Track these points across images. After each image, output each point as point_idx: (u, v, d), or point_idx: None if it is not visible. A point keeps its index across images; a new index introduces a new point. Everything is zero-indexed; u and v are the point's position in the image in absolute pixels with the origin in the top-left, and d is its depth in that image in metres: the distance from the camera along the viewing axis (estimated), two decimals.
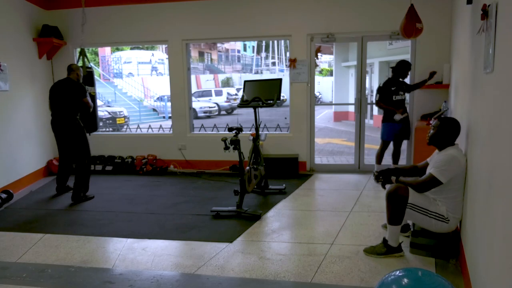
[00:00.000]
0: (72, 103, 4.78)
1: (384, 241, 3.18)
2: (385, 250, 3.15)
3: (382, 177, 3.27)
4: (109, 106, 15.15)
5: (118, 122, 13.83)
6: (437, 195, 3.07)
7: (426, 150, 4.85)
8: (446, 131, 3.07)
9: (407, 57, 5.87)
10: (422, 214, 3.05)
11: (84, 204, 4.82)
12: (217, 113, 17.47)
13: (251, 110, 4.95)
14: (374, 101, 5.48)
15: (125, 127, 13.12)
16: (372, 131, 10.22)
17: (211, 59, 29.56)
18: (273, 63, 28.37)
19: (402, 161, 5.77)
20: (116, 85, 17.46)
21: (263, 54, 28.85)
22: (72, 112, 4.80)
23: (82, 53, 5.38)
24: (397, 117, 5.23)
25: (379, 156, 5.47)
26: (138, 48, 21.29)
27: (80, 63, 5.46)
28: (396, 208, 3.05)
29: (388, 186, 3.23)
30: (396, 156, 5.48)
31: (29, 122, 5.84)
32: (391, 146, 5.49)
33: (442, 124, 3.10)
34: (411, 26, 4.34)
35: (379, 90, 5.37)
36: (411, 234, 3.25)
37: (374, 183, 5.35)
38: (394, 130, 5.30)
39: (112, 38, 6.48)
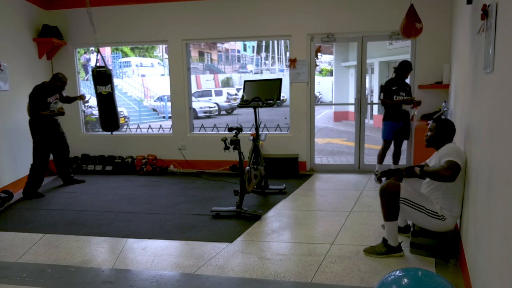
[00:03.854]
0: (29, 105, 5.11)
1: (384, 240, 3.18)
2: (385, 250, 3.15)
3: (386, 177, 3.28)
4: None
5: None
6: (434, 191, 3.09)
7: (426, 151, 4.86)
8: (443, 132, 3.16)
9: (407, 57, 5.87)
10: (417, 210, 3.07)
11: (84, 204, 4.83)
12: (217, 113, 17.46)
13: (251, 110, 4.95)
14: (378, 100, 5.46)
15: (125, 127, 13.11)
16: (372, 131, 10.23)
17: (211, 59, 29.55)
18: (270, 63, 28.34)
19: (402, 161, 5.77)
20: (116, 85, 17.44)
21: (263, 54, 28.84)
22: (30, 114, 5.10)
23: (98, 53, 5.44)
24: (407, 107, 5.25)
25: (381, 156, 5.46)
26: (137, 47, 21.30)
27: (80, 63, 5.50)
28: (389, 203, 3.08)
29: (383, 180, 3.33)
30: (396, 156, 5.48)
31: None
32: (392, 146, 5.49)
33: (438, 125, 3.20)
34: (410, 26, 4.35)
35: (382, 88, 5.37)
36: (411, 234, 3.25)
37: (375, 183, 5.38)
38: (394, 129, 5.30)
39: (112, 38, 6.48)
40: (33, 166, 5.16)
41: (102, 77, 5.06)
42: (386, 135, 5.39)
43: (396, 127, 5.30)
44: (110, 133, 5.31)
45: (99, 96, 5.14)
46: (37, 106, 5.02)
